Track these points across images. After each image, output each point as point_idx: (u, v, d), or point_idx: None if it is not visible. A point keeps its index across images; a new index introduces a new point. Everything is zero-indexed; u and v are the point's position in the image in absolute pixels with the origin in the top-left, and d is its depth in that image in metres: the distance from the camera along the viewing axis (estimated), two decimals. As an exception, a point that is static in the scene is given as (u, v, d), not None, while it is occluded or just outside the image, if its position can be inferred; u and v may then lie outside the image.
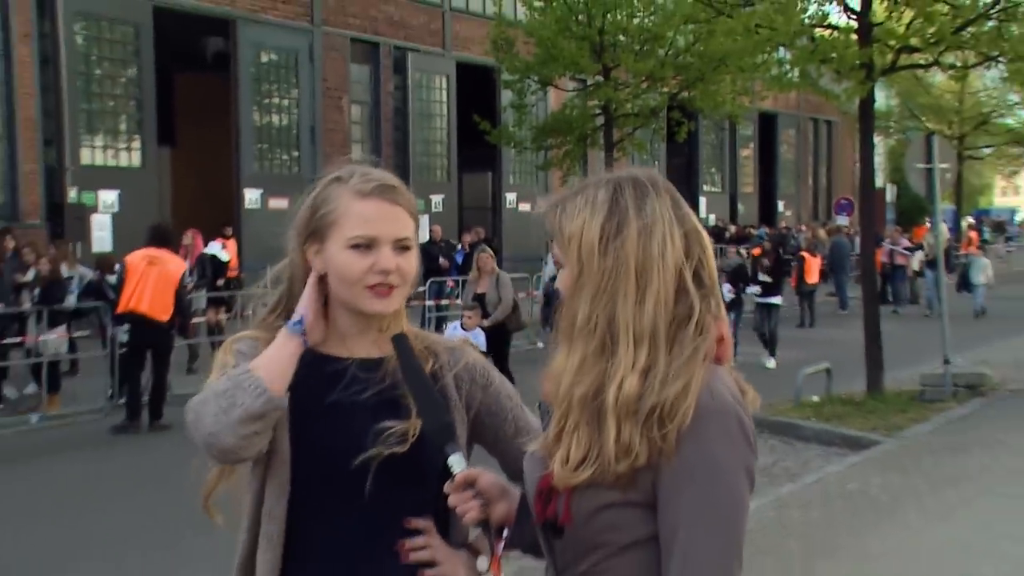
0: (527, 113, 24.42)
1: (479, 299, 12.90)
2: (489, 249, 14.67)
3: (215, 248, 19.94)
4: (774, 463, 10.50)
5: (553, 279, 11.96)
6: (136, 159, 23.90)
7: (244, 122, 25.88)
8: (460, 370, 2.34)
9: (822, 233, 30.95)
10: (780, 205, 44.75)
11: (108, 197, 22.74)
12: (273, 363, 2.14)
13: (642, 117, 23.93)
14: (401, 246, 2.25)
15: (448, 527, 2.31)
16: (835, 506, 8.28)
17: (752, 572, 6.53)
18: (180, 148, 28.42)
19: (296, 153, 26.98)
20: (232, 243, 24.61)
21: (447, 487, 2.10)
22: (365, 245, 2.21)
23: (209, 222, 22.81)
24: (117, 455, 11.24)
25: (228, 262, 22.74)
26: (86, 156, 22.88)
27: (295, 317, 2.21)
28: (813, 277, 23.82)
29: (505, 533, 2.12)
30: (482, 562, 2.29)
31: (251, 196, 25.98)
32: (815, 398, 12.58)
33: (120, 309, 12.20)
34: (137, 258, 12.26)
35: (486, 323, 12.42)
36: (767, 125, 43.76)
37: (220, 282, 18.32)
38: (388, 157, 28.13)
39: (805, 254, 24.04)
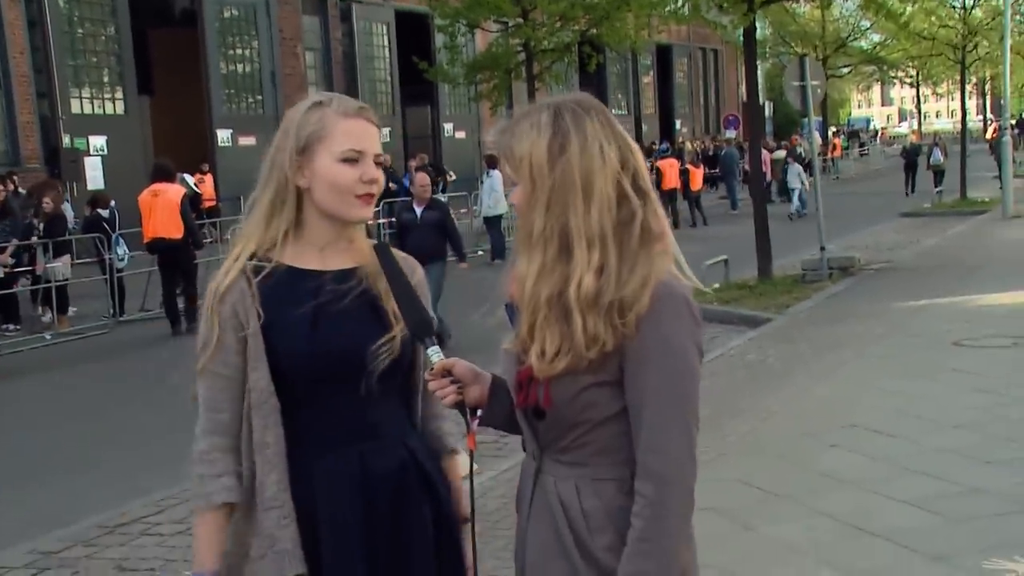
0: (458, 53, 24.02)
1: None
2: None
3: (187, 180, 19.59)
4: (684, 341, 10.59)
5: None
6: (120, 107, 23.39)
7: (213, 71, 25.31)
8: (418, 279, 2.28)
9: (689, 145, 31.35)
10: (677, 123, 44.75)
11: (97, 142, 22.26)
12: None
13: (557, 52, 23.68)
14: (378, 161, 2.19)
15: (428, 407, 2.30)
16: (738, 375, 8.40)
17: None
18: (158, 96, 27.45)
19: (260, 96, 26.43)
20: (209, 178, 24.22)
21: (427, 375, 2.07)
22: (353, 159, 2.14)
23: (187, 160, 22.41)
24: (123, 362, 11.13)
25: (200, 194, 22.46)
26: (75, 106, 22.33)
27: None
28: (697, 184, 24.55)
29: (479, 413, 2.10)
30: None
31: (223, 135, 25.49)
32: (716, 285, 12.70)
33: (144, 240, 12.44)
34: (145, 194, 12.40)
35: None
36: (664, 55, 43.56)
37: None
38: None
39: (689, 166, 24.72)
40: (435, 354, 2.06)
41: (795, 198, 24.33)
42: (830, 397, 7.45)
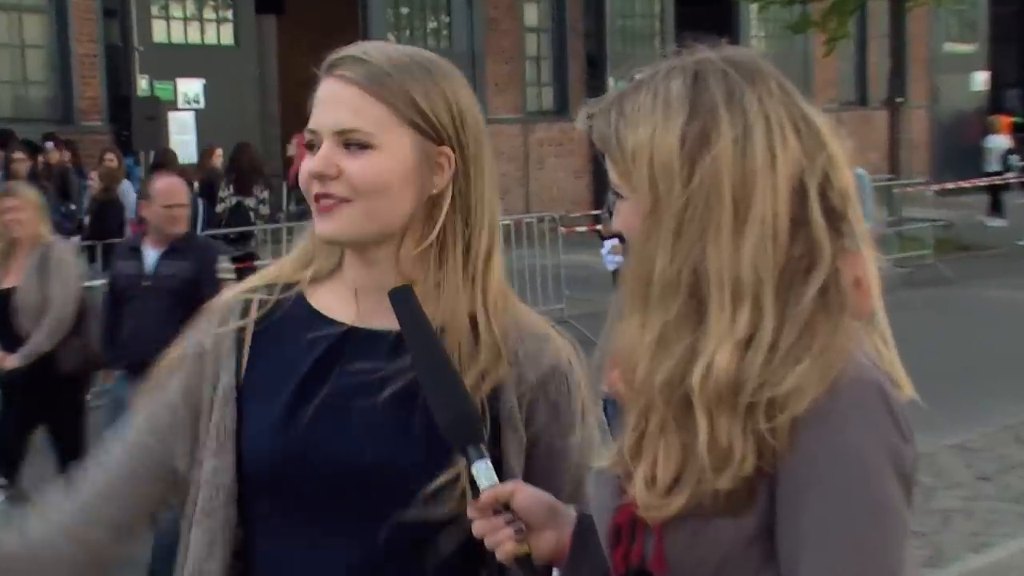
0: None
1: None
2: None
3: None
4: None
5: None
6: (227, 35, 19.25)
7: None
8: (541, 377, 1.60)
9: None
10: None
11: (191, 88, 18.40)
12: None
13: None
14: (347, 141, 1.51)
15: (479, 558, 1.58)
16: None
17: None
18: (288, 16, 21.78)
19: (447, 18, 20.92)
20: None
21: (470, 509, 1.47)
22: (309, 143, 1.56)
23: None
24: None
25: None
26: (159, 32, 18.39)
27: None
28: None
29: (555, 574, 1.54)
30: None
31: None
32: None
33: None
34: None
35: None
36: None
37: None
38: (575, 21, 21.71)
39: None
40: (484, 474, 1.45)
41: None
42: None
